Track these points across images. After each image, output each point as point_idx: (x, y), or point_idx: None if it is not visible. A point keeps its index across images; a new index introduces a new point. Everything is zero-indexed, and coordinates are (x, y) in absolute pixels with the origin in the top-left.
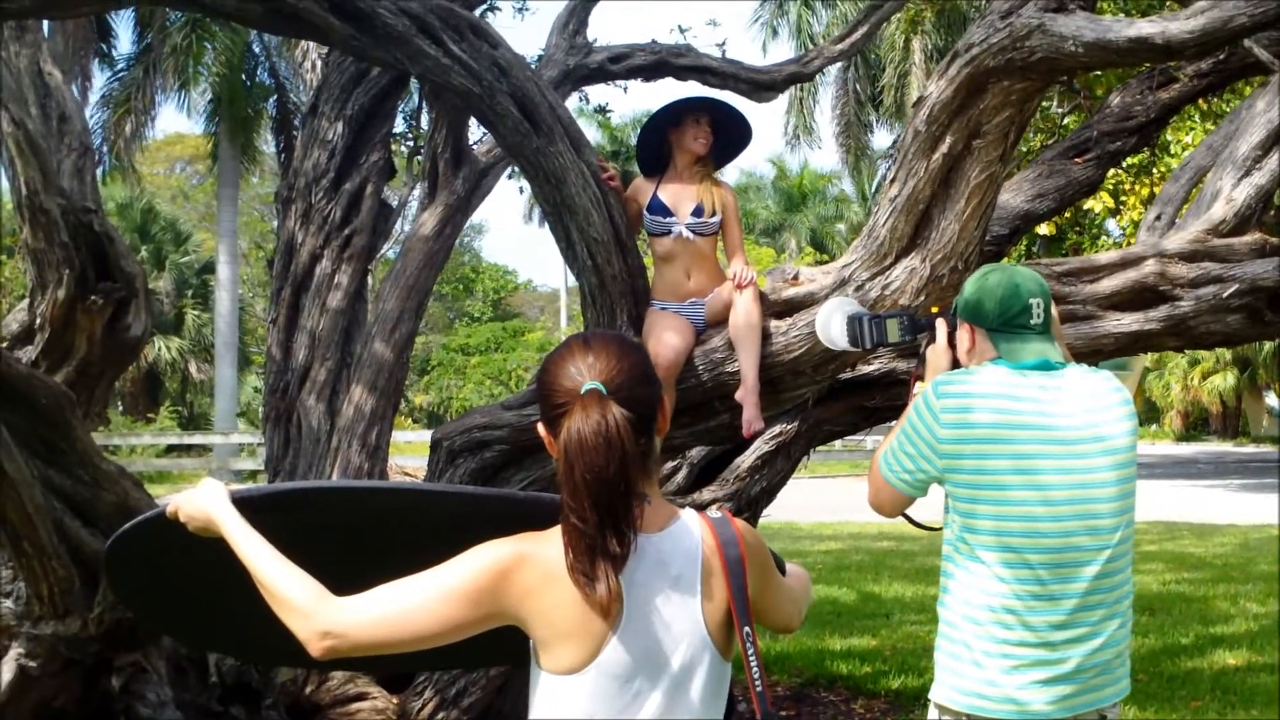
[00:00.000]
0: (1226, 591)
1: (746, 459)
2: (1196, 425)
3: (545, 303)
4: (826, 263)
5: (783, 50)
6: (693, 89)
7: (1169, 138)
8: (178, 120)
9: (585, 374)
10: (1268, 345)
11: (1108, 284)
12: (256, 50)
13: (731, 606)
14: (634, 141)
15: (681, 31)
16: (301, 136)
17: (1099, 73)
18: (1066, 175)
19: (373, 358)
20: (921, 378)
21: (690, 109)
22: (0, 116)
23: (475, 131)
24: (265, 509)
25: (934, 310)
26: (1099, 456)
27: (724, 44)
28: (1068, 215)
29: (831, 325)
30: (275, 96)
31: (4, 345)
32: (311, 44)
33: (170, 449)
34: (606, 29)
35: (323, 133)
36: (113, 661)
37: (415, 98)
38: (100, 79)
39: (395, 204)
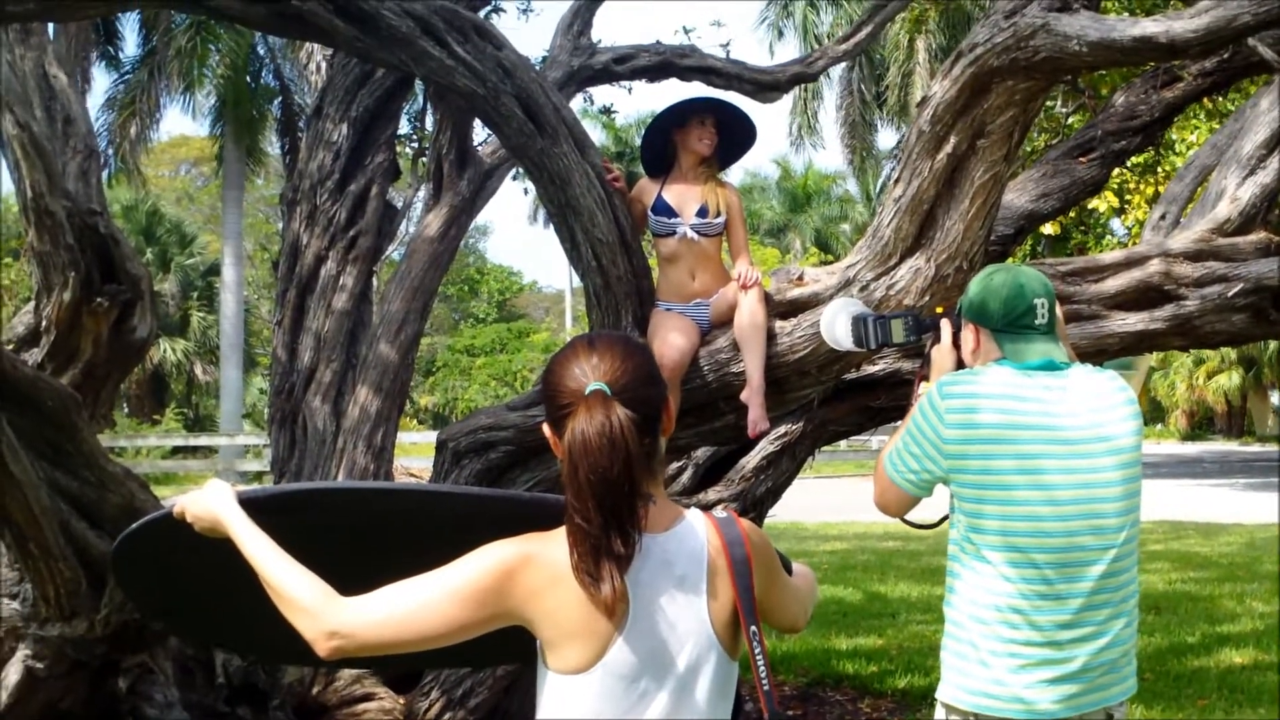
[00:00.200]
0: (1232, 590)
1: (752, 459)
2: (1202, 424)
3: (550, 304)
4: (831, 263)
5: (789, 51)
6: (697, 90)
7: (1174, 136)
8: (183, 122)
9: (590, 375)
10: (1273, 344)
11: (1113, 284)
12: (261, 52)
13: (738, 606)
14: (638, 142)
15: (686, 32)
16: (306, 138)
17: (1103, 72)
18: (1071, 175)
19: (378, 359)
20: (926, 378)
21: (695, 110)
22: (5, 119)
23: (480, 133)
24: (271, 510)
25: (939, 310)
26: (1104, 456)
27: (728, 44)
28: (1072, 215)
29: (836, 326)
30: (280, 98)
31: (10, 347)
32: (316, 46)
33: (176, 451)
34: (611, 30)
35: (327, 134)
36: (119, 663)
37: (420, 99)
38: (100, 82)
39: (400, 205)
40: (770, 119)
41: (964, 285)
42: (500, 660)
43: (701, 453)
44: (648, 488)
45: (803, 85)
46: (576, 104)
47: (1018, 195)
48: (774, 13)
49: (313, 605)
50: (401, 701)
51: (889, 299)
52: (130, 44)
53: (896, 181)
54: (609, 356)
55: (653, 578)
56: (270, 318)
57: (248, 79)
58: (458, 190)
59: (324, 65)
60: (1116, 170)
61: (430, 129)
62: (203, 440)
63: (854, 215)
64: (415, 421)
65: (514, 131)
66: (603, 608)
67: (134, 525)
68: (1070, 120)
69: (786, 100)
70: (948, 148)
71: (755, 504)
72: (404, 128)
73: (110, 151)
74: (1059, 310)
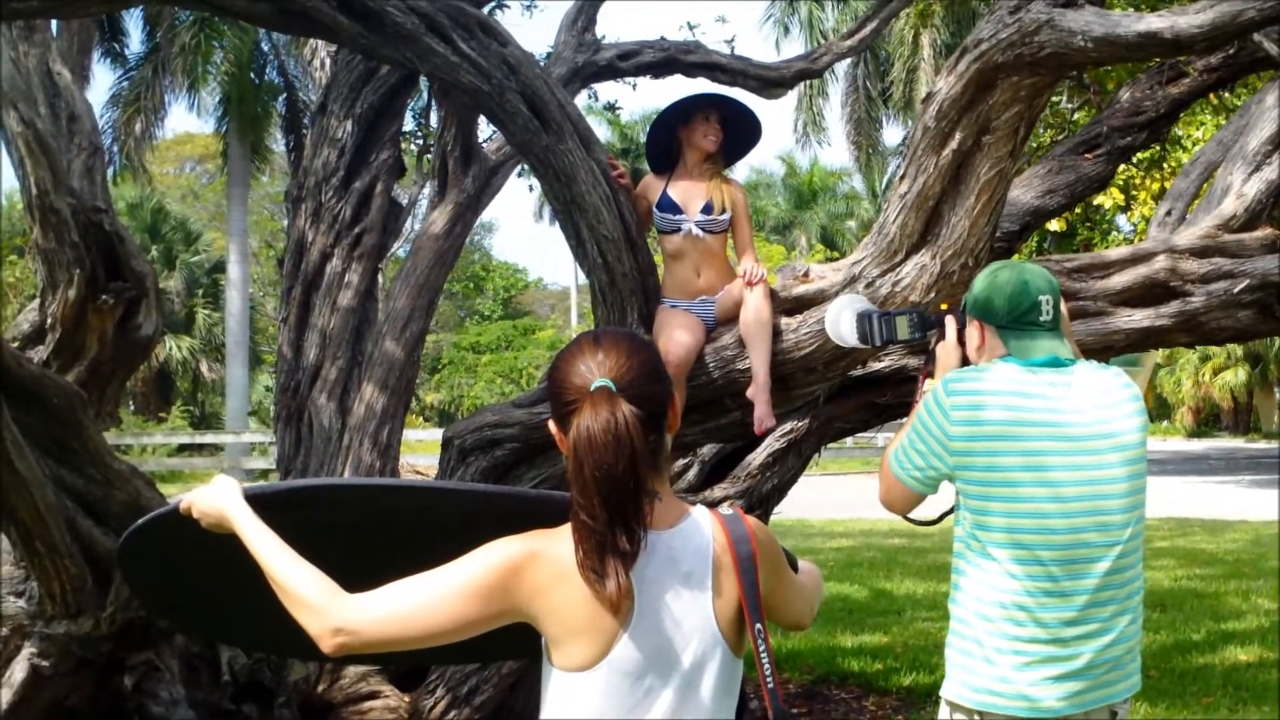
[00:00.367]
0: (1238, 587)
1: (758, 456)
2: (1208, 421)
3: (556, 301)
4: (837, 260)
5: (795, 47)
6: (702, 86)
7: (1179, 132)
8: (187, 119)
9: (595, 371)
10: (1279, 341)
11: (1119, 280)
12: (265, 49)
13: (743, 603)
14: (643, 139)
15: (690, 28)
16: (311, 135)
17: (1108, 68)
18: (1076, 171)
19: (384, 356)
20: (931, 375)
21: (700, 106)
22: (9, 116)
23: (485, 129)
24: (278, 506)
25: (943, 307)
26: (1109, 453)
27: (732, 40)
28: (1078, 211)
29: (841, 322)
30: (285, 95)
31: (15, 345)
32: (320, 42)
33: (182, 448)
34: (615, 26)
35: (332, 131)
36: (125, 660)
37: (425, 96)
38: (103, 79)
39: (405, 202)
40: (776, 115)
41: (970, 282)
42: (507, 655)
43: (707, 450)
44: (653, 484)
45: (808, 81)
46: (581, 100)
47: (1023, 191)
48: (780, 9)
49: (318, 602)
50: (407, 699)
51: (894, 295)
52: (135, 41)
53: (902, 178)
54: (614, 353)
55: (658, 575)
56: (276, 315)
57: (252, 76)
58: (463, 187)
59: (328, 62)
60: (1122, 166)
61: (435, 126)
62: (208, 438)
63: (859, 212)
64: (421, 419)
65: (519, 128)
66: (608, 604)
67: (140, 520)
68: (1075, 116)
69: (792, 97)
70: (953, 144)
71: (761, 501)
72: (409, 124)
73: (115, 149)
74: (1064, 307)
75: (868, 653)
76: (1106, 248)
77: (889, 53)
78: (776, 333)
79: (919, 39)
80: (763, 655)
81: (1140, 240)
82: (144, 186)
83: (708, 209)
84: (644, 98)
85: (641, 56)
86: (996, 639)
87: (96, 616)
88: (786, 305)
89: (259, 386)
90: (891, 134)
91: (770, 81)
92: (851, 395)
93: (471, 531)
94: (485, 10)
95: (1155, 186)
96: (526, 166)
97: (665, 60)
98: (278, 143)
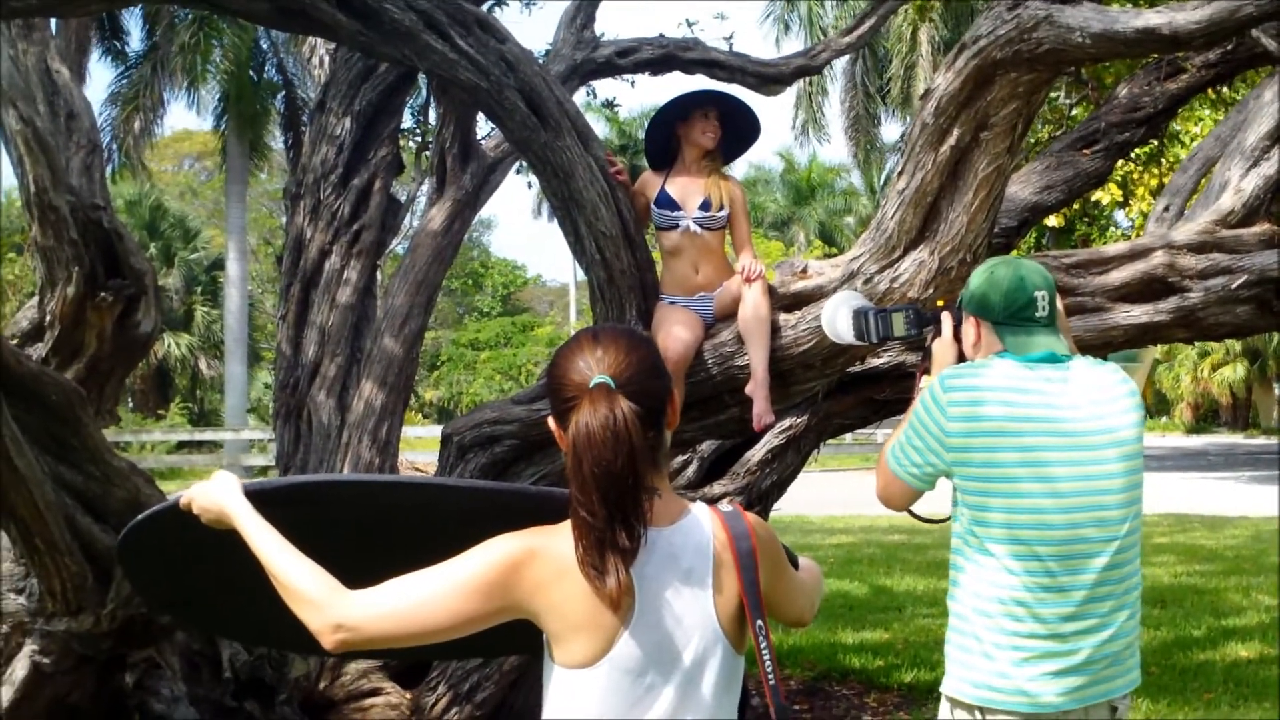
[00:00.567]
0: (1238, 584)
1: (757, 453)
2: (1207, 417)
3: (554, 297)
4: (835, 256)
5: (794, 44)
6: (700, 83)
7: (1177, 128)
8: (186, 117)
9: (594, 368)
10: (1277, 336)
11: (1117, 276)
12: (264, 47)
13: (744, 600)
14: (642, 135)
15: (689, 25)
16: (309, 133)
17: (1107, 64)
18: (1075, 167)
19: (382, 353)
20: (928, 371)
21: (698, 103)
22: (8, 114)
23: (483, 126)
24: (278, 502)
25: (940, 304)
26: (1106, 449)
27: (731, 37)
28: (1076, 207)
29: (837, 319)
30: (283, 93)
31: (14, 342)
32: (319, 40)
33: (181, 445)
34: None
35: (331, 128)
36: (126, 658)
37: (423, 93)
38: (101, 77)
39: (404, 199)
40: (774, 112)
41: (968, 278)
42: (509, 651)
43: (706, 446)
44: (652, 481)
45: (806, 78)
46: (579, 97)
47: (1021, 187)
48: (780, 6)
49: (318, 598)
50: (408, 696)
51: (893, 291)
52: (134, 39)
53: (900, 174)
54: (613, 350)
55: (658, 571)
56: (274, 312)
57: (251, 74)
58: (461, 184)
59: (327, 60)
60: (1120, 162)
61: (433, 123)
62: (208, 435)
63: (858, 208)
64: (420, 416)
65: (517, 125)
66: (608, 601)
67: (140, 516)
68: (1074, 112)
69: (790, 93)
70: (951, 140)
71: (761, 497)
72: (407, 122)
73: (114, 146)
74: (1060, 303)
75: (869, 649)
76: (1105, 243)
77: (887, 49)
78: (775, 329)
79: (917, 35)
80: (764, 652)
81: (1138, 236)
82: (143, 184)
83: (706, 205)
84: (642, 95)
85: (640, 53)
86: (995, 634)
87: (97, 613)
88: (785, 301)
89: (258, 383)
90: (890, 130)
91: (769, 78)
92: (850, 391)
93: (471, 528)
94: (484, 7)
95: (1153, 182)
96: (525, 163)
97: (664, 57)
98: (276, 140)
